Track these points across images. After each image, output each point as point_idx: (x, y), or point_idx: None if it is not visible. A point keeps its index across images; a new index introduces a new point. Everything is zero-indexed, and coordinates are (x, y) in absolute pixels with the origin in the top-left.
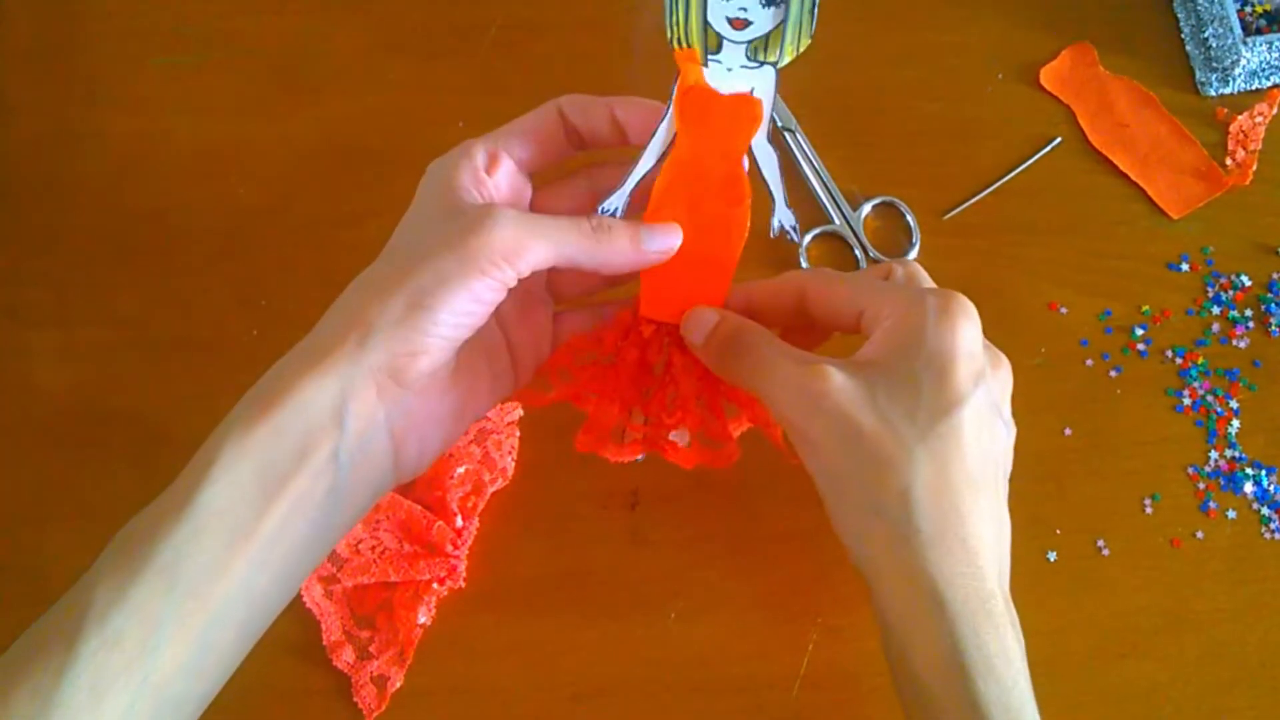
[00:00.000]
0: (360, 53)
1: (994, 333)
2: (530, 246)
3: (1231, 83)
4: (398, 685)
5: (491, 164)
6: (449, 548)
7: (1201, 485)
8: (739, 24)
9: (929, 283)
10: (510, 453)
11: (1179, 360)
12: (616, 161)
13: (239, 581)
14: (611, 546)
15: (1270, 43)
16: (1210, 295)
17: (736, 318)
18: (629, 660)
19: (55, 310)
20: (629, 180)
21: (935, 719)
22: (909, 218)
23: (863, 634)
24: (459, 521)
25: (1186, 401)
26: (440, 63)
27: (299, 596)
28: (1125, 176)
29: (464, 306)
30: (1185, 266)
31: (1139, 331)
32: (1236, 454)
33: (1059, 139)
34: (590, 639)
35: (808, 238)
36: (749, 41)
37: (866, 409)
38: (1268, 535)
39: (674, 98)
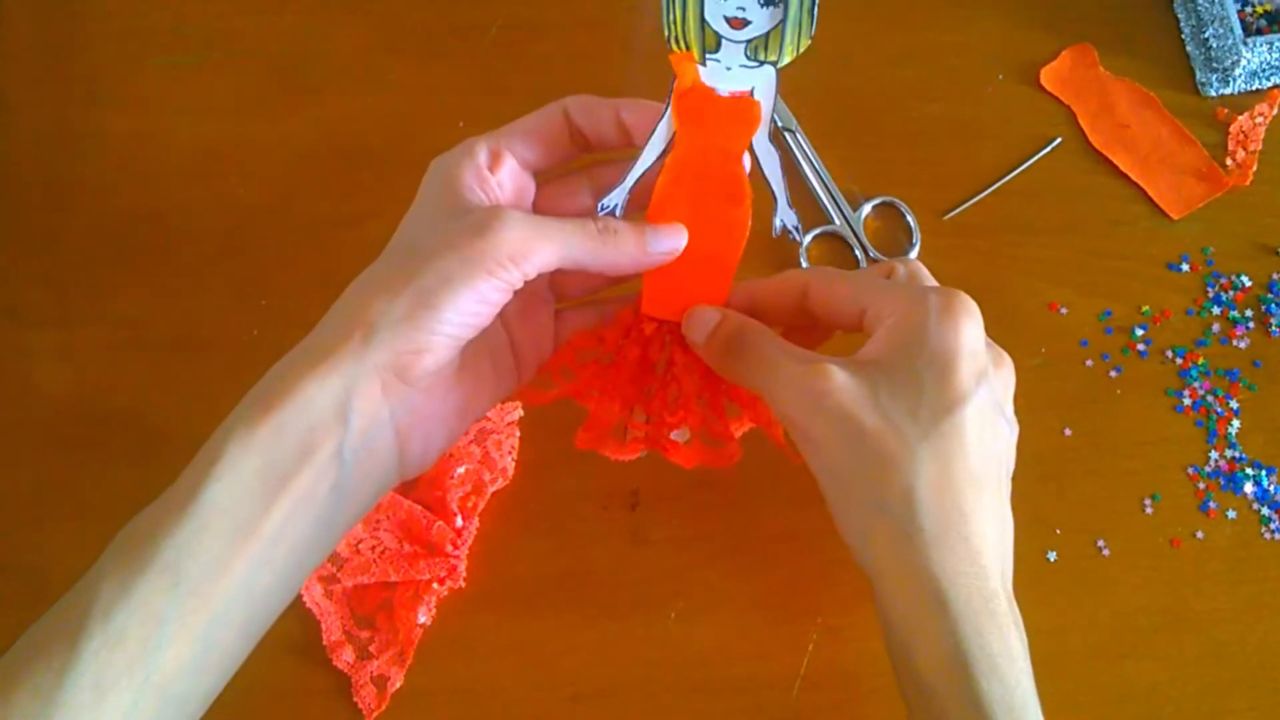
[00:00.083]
0: (360, 53)
1: (994, 333)
2: (537, 249)
3: (1232, 83)
4: (398, 685)
5: (495, 162)
6: (449, 547)
7: (1201, 485)
8: (737, 23)
9: (931, 281)
10: (510, 452)
11: (1179, 360)
12: (618, 160)
13: (242, 580)
14: (611, 546)
15: (1271, 43)
16: (1210, 295)
17: (738, 316)
18: (629, 660)
19: (55, 310)
20: (629, 178)
21: (938, 718)
22: (909, 218)
23: (863, 634)
24: (459, 521)
25: (1186, 402)
26: (440, 63)
27: (299, 596)
28: (1125, 177)
29: (470, 307)
30: (1185, 267)
31: (1139, 332)
32: (1236, 454)
33: (1059, 139)
34: (590, 639)
35: (807, 238)
36: (748, 41)
37: (869, 408)
38: (1268, 535)
39: (671, 97)
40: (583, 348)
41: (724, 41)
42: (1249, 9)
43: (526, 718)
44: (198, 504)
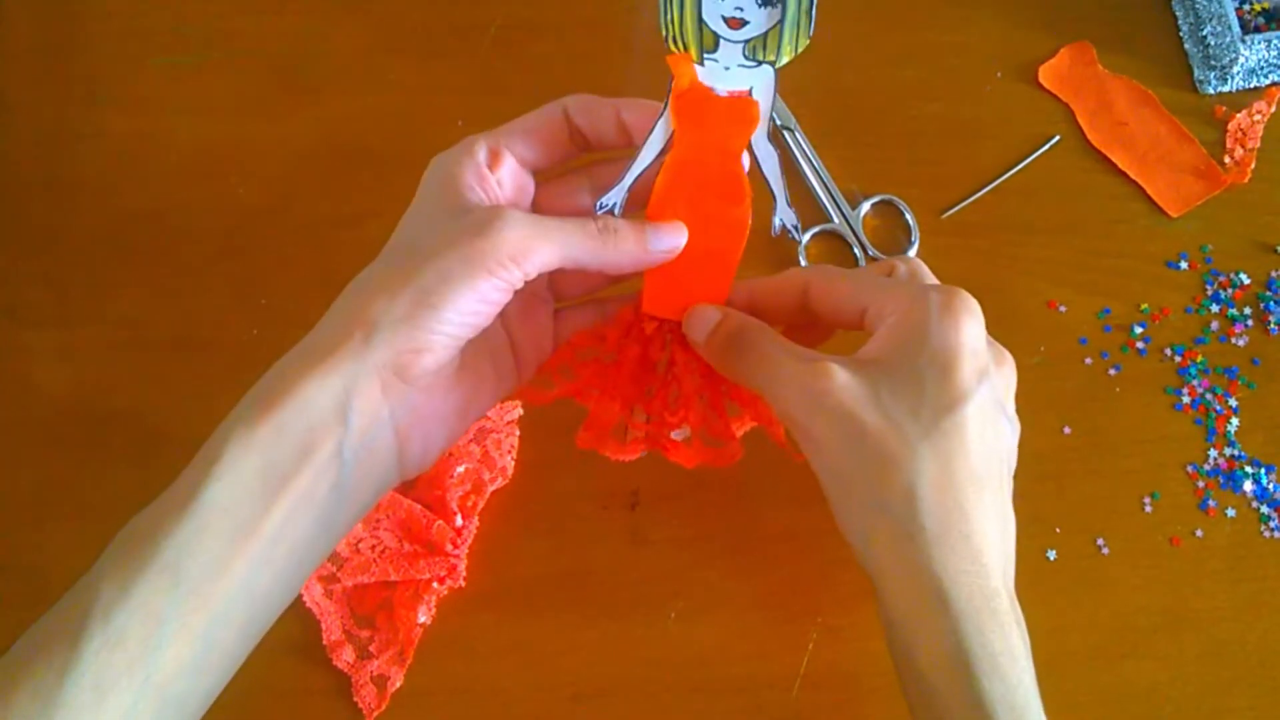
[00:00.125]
0: (360, 53)
1: (993, 331)
2: (537, 249)
3: (1230, 81)
4: (398, 685)
5: (494, 161)
6: (449, 547)
7: (1201, 484)
8: (735, 23)
9: (931, 279)
10: (510, 452)
11: (1178, 358)
12: (618, 159)
13: (242, 580)
14: (611, 546)
15: (1269, 41)
16: (1209, 293)
17: (739, 315)
18: (629, 660)
19: (55, 310)
20: (627, 176)
21: (940, 717)
22: (908, 216)
23: (863, 634)
24: (459, 520)
25: (1185, 400)
26: (440, 63)
27: (299, 596)
28: (1124, 175)
29: (470, 306)
30: (1184, 265)
31: (1138, 330)
32: (1236, 452)
33: (1058, 137)
34: (590, 639)
35: (807, 236)
36: (746, 41)
37: (870, 406)
38: (1267, 533)
39: (669, 97)
40: (583, 347)
41: (722, 41)
42: (1247, 6)
43: (526, 718)
44: (198, 504)
